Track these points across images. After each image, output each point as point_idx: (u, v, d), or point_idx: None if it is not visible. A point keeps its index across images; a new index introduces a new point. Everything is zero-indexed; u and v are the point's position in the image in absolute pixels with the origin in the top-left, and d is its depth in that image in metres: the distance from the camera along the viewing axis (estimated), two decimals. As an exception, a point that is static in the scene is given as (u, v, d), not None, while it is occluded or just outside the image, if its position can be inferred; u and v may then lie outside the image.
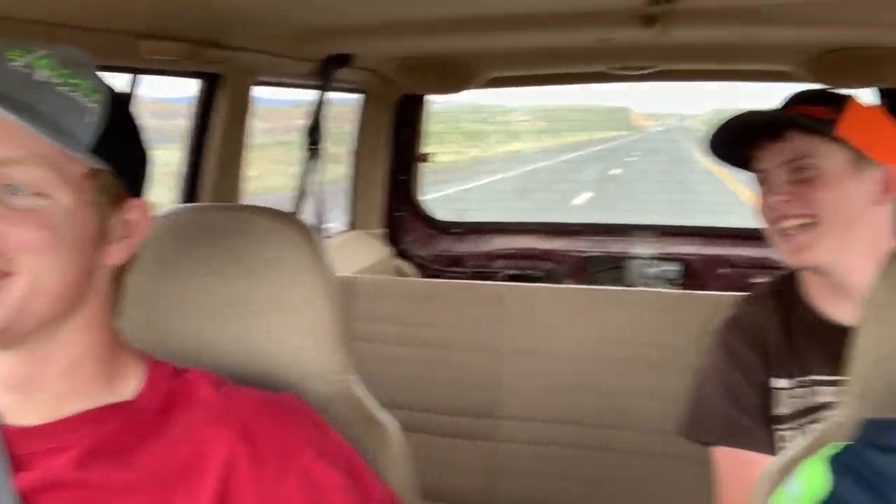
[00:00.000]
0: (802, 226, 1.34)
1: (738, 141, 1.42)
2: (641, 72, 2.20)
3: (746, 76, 2.50)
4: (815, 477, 0.68)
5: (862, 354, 0.85)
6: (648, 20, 1.40)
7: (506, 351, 2.04)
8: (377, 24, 1.60)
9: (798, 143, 1.36)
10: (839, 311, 1.34)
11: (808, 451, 0.84)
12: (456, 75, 2.18)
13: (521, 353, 2.03)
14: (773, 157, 1.38)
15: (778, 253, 1.41)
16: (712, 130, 1.43)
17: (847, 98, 1.43)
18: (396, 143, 2.77)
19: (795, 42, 1.88)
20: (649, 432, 1.92)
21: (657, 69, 2.19)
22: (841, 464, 0.67)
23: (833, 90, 1.50)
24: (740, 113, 1.44)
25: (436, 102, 2.82)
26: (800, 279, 1.47)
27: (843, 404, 0.87)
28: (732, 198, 12.41)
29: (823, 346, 1.32)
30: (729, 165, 1.50)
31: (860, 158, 1.36)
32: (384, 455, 0.94)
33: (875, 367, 0.83)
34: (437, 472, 2.03)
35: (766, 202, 1.39)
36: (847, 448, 0.68)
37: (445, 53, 2.05)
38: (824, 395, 1.33)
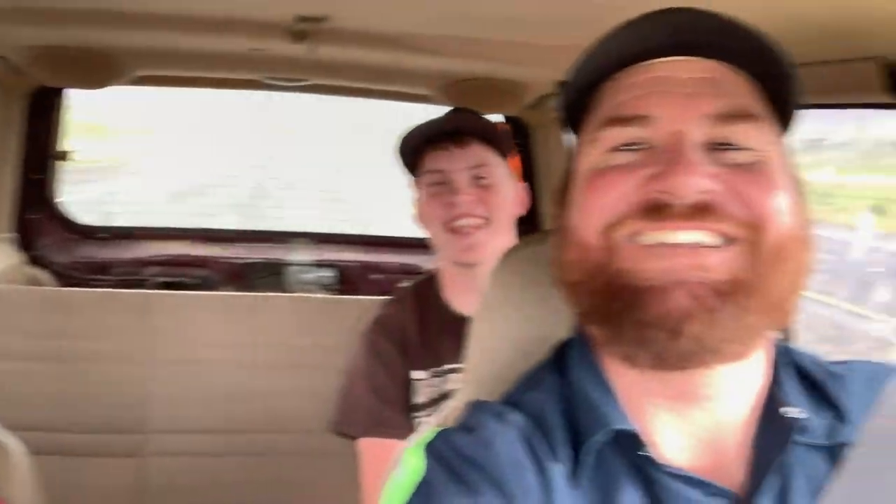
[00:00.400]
0: (478, 226, 1.52)
1: (425, 144, 1.56)
2: (295, 84, 2.26)
3: (393, 97, 2.67)
4: (413, 463, 0.73)
5: (475, 344, 0.96)
6: (298, 36, 1.44)
7: (155, 362, 1.96)
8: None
9: (478, 151, 1.54)
10: (469, 305, 1.52)
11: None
12: (98, 70, 2.02)
13: (172, 364, 1.96)
14: (457, 161, 1.53)
15: (448, 249, 1.55)
16: (407, 134, 1.56)
17: (487, 119, 1.65)
18: (30, 139, 2.49)
19: (433, 69, 2.08)
20: (304, 433, 1.98)
21: (310, 83, 2.26)
22: (432, 447, 0.72)
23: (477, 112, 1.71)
24: (433, 119, 1.59)
25: (84, 96, 2.59)
26: (437, 280, 1.64)
27: (460, 390, 0.98)
28: (387, 207, 13.09)
29: (455, 337, 1.46)
30: (406, 168, 1.63)
31: (511, 173, 1.59)
32: (6, 482, 0.87)
33: (486, 356, 0.94)
34: (79, 497, 1.89)
35: (444, 200, 1.53)
36: (439, 432, 0.74)
37: (85, 46, 1.90)
38: (455, 382, 1.49)
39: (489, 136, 1.56)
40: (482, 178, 1.54)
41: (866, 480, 0.70)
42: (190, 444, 1.96)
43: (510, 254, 0.97)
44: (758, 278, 0.66)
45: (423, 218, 1.59)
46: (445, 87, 2.24)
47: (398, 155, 1.60)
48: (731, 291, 0.65)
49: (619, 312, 0.67)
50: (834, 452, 0.73)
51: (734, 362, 0.69)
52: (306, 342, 2.00)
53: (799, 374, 0.78)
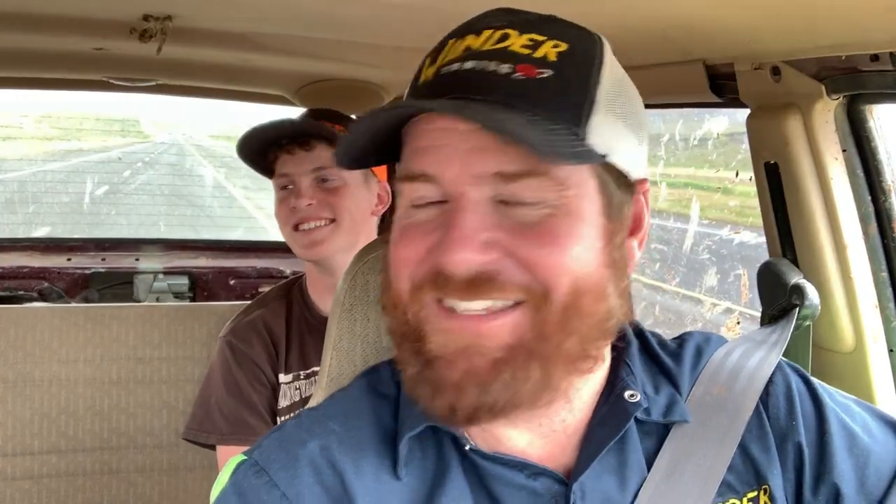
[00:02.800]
0: (321, 227, 1.52)
1: (269, 146, 1.54)
2: (143, 84, 2.17)
3: (249, 98, 2.62)
4: (231, 462, 0.75)
5: (332, 345, 0.96)
6: (144, 34, 1.40)
7: None
8: None
9: (323, 154, 1.54)
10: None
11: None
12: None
13: (9, 382, 1.83)
14: (301, 164, 1.53)
15: (294, 247, 1.55)
16: (247, 135, 1.53)
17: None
18: None
19: (287, 69, 2.06)
20: (159, 448, 1.90)
21: (159, 83, 2.18)
22: (236, 478, 0.73)
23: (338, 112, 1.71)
24: (275, 121, 1.57)
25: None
26: (304, 283, 1.63)
27: (318, 390, 0.98)
28: (241, 212, 12.74)
29: (321, 339, 1.49)
30: (257, 170, 1.62)
31: (368, 173, 1.59)
32: None
33: (344, 356, 0.95)
34: None
35: (289, 204, 1.53)
36: (248, 461, 0.75)
37: None
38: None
39: (334, 139, 1.57)
40: (327, 179, 1.55)
41: (685, 448, 0.76)
42: (31, 467, 1.84)
43: (363, 253, 0.97)
44: (544, 338, 0.66)
45: (276, 218, 1.59)
46: (301, 88, 2.22)
47: (241, 156, 1.59)
48: (508, 357, 0.66)
49: (418, 370, 0.69)
50: (669, 428, 0.78)
51: (543, 404, 0.70)
52: (161, 353, 1.92)
53: (648, 355, 0.83)
